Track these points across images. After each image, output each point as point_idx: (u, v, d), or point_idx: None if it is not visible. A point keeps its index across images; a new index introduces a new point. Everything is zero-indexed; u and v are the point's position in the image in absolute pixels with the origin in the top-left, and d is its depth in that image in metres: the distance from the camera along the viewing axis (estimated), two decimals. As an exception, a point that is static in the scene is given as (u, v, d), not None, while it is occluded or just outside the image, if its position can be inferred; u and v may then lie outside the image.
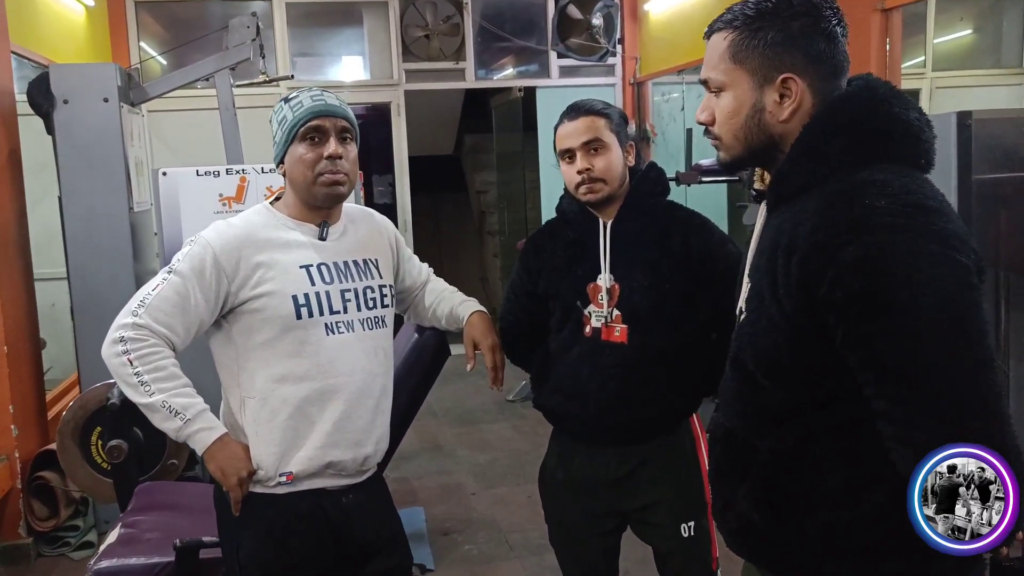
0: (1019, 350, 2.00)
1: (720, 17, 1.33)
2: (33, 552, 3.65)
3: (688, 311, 1.97)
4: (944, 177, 1.82)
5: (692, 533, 2.03)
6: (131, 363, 1.72)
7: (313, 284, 1.81)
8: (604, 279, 1.99)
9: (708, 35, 1.36)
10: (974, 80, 7.59)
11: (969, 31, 7.78)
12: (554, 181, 7.19)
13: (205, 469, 2.54)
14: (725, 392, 1.41)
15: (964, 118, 1.78)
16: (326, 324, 1.81)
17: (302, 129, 1.80)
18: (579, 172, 1.97)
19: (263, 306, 1.77)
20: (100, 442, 2.53)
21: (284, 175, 1.88)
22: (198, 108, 6.11)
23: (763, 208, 1.36)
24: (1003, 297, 1.94)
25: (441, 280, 2.23)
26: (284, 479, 1.79)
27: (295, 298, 1.78)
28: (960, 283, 1.12)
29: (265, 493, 1.80)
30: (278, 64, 6.89)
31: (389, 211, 7.26)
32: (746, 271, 1.36)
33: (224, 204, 2.73)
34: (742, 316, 1.35)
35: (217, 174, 2.73)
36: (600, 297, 1.99)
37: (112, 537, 2.13)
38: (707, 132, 1.36)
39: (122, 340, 1.73)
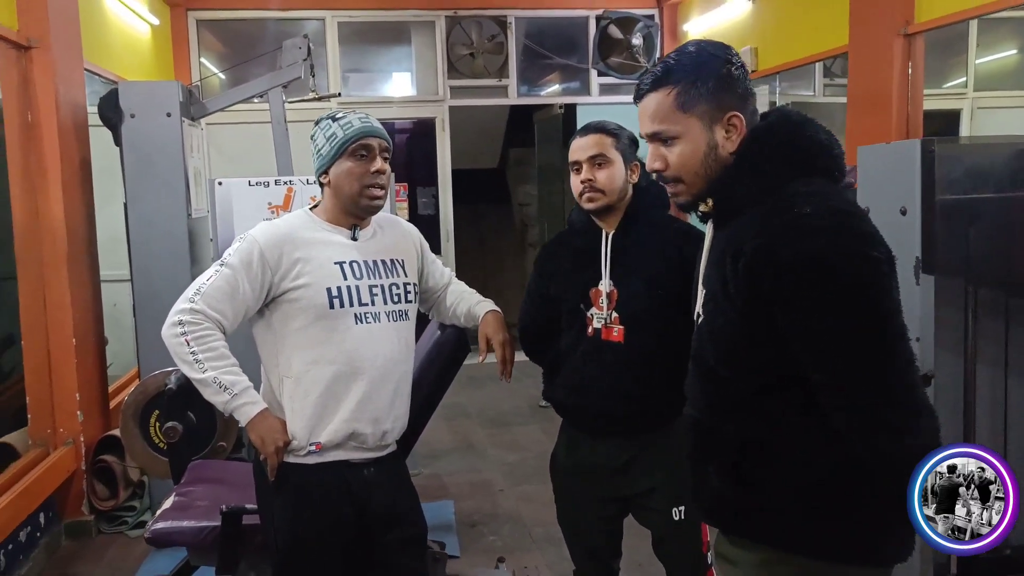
0: (985, 355, 2.17)
1: (647, 81, 1.53)
2: (94, 529, 3.97)
3: (681, 315, 2.16)
4: (910, 197, 2.00)
5: (683, 517, 2.22)
6: (188, 343, 1.98)
7: (345, 279, 2.06)
8: (604, 284, 2.21)
9: (640, 97, 1.54)
10: (1017, 101, 7.58)
11: (1014, 51, 7.78)
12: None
13: (250, 449, 2.82)
14: (691, 388, 1.62)
15: (928, 145, 1.96)
16: (355, 314, 2.05)
17: (353, 146, 2.05)
18: (582, 182, 2.19)
19: (300, 296, 2.02)
20: (158, 424, 2.82)
21: (326, 184, 2.11)
22: (253, 121, 6.45)
23: (710, 226, 1.57)
24: (970, 306, 2.11)
25: (462, 283, 2.47)
26: (313, 448, 2.03)
27: (329, 290, 2.03)
28: (874, 273, 1.34)
29: (296, 463, 2.05)
30: (329, 79, 7.24)
31: (432, 222, 7.55)
32: (700, 280, 1.58)
33: (272, 212, 3.00)
34: (699, 319, 1.56)
35: (267, 184, 3.01)
36: (601, 300, 2.21)
37: (167, 504, 2.41)
38: (661, 178, 1.55)
39: (180, 323, 1.99)
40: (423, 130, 7.63)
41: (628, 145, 2.27)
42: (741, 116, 1.48)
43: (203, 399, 2.75)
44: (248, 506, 2.23)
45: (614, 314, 2.19)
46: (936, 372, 2.05)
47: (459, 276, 2.52)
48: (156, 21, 6.23)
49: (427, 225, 7.64)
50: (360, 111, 2.15)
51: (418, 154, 7.80)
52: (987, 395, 2.20)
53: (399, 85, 7.81)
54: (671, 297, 2.13)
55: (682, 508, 2.23)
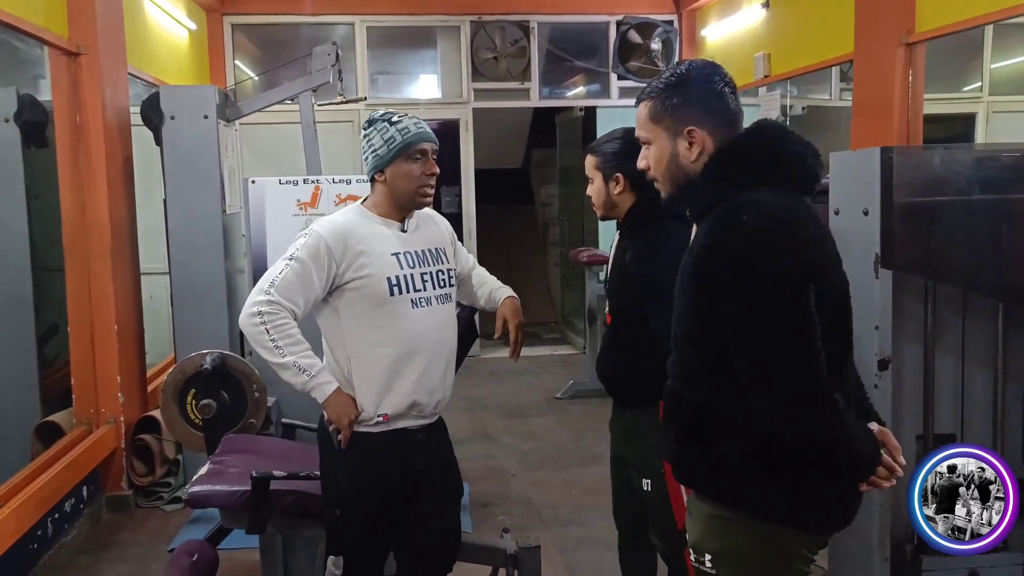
0: (945, 345, 2.37)
1: (643, 91, 1.77)
2: (132, 503, 4.27)
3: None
4: (871, 200, 2.21)
5: (650, 489, 2.45)
6: (268, 331, 2.19)
7: (401, 268, 2.30)
8: (605, 277, 2.53)
9: (636, 104, 1.78)
10: (1032, 104, 7.64)
11: (1029, 56, 7.84)
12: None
13: (279, 428, 3.08)
14: (670, 363, 1.84)
15: (886, 152, 2.16)
16: (411, 300, 2.30)
17: (411, 149, 2.28)
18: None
19: (364, 285, 2.25)
20: (194, 401, 3.09)
21: (381, 181, 2.32)
22: (285, 122, 6.72)
23: (694, 226, 1.79)
24: (930, 300, 2.31)
25: (484, 269, 2.76)
26: (380, 419, 2.29)
27: (388, 279, 2.27)
28: (793, 274, 1.52)
29: (364, 431, 2.30)
30: (358, 81, 7.51)
31: (455, 220, 7.80)
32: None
33: (301, 208, 3.26)
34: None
35: (296, 183, 3.27)
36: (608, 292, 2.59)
37: (203, 470, 2.67)
38: (648, 175, 1.79)
39: (260, 313, 2.19)
40: (448, 131, 7.88)
41: (610, 161, 2.52)
42: (699, 130, 1.68)
43: (236, 379, 3.04)
44: (276, 473, 2.49)
45: (607, 303, 2.57)
46: (897, 359, 2.26)
47: (482, 273, 2.81)
48: (193, 26, 6.53)
49: (451, 222, 7.86)
50: (411, 116, 2.35)
51: (443, 154, 7.97)
52: (947, 381, 2.40)
53: (425, 87, 8.07)
54: (644, 293, 2.37)
55: (648, 481, 2.46)
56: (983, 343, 2.42)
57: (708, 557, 1.69)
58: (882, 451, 1.60)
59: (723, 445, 1.66)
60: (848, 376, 1.68)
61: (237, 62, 7.55)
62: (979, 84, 7.52)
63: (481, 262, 2.75)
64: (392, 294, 2.26)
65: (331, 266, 2.23)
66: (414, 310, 2.30)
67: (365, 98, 5.36)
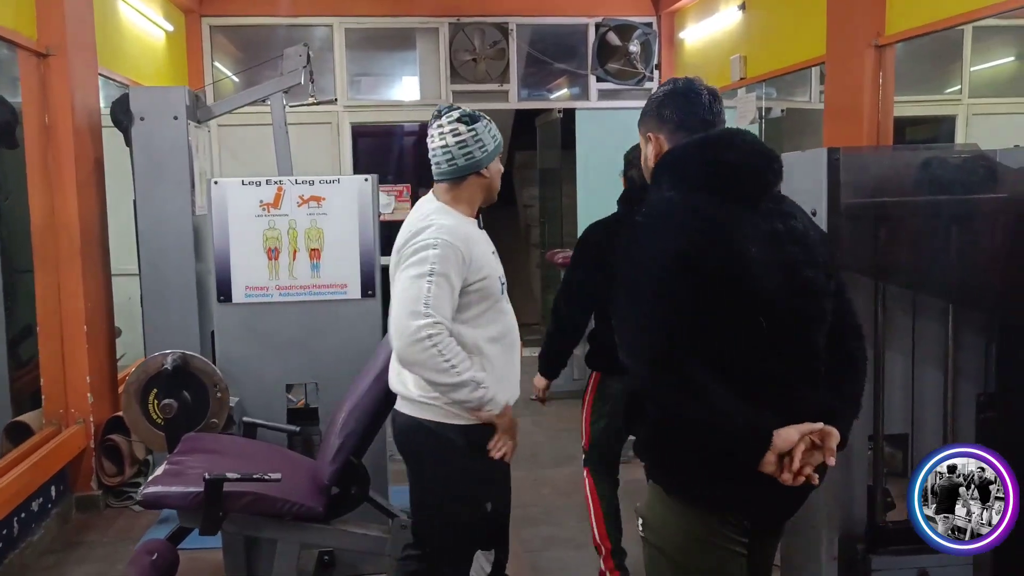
0: (894, 344, 2.39)
1: None
2: (102, 503, 4.26)
3: None
4: (818, 200, 2.23)
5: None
6: (441, 352, 2.14)
7: (499, 266, 2.42)
8: None
9: None
10: (1013, 108, 7.69)
11: (1009, 59, 7.90)
12: (590, 198, 7.65)
13: (240, 427, 3.07)
14: None
15: (833, 153, 2.18)
16: (506, 296, 2.43)
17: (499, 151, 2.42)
18: None
19: (482, 287, 2.30)
20: (156, 401, 3.09)
21: (482, 177, 2.39)
22: (263, 124, 6.68)
23: None
24: (879, 300, 2.34)
25: None
26: (505, 408, 2.33)
27: (499, 278, 2.38)
28: (658, 260, 1.66)
29: (481, 424, 2.32)
30: (336, 83, 7.51)
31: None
32: None
33: (264, 209, 3.26)
34: None
35: (259, 184, 3.26)
36: None
37: (159, 471, 2.67)
38: None
39: (428, 337, 2.13)
40: (426, 133, 7.87)
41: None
42: (653, 136, 1.88)
43: (198, 379, 3.05)
44: (229, 474, 2.49)
45: None
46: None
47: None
48: (170, 27, 6.51)
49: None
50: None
51: (421, 156, 8.04)
52: (897, 382, 2.42)
53: (404, 89, 8.07)
54: None
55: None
56: (933, 343, 2.44)
57: (640, 522, 1.84)
58: (801, 445, 1.60)
59: (643, 423, 1.80)
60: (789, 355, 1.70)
61: (216, 63, 7.54)
62: (959, 87, 7.56)
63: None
64: (501, 292, 2.38)
65: (463, 272, 2.25)
66: (507, 305, 2.43)
67: (335, 100, 5.34)
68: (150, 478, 2.65)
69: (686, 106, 1.83)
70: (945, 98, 7.69)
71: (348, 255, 3.32)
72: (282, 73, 4.64)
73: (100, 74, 4.70)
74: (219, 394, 3.12)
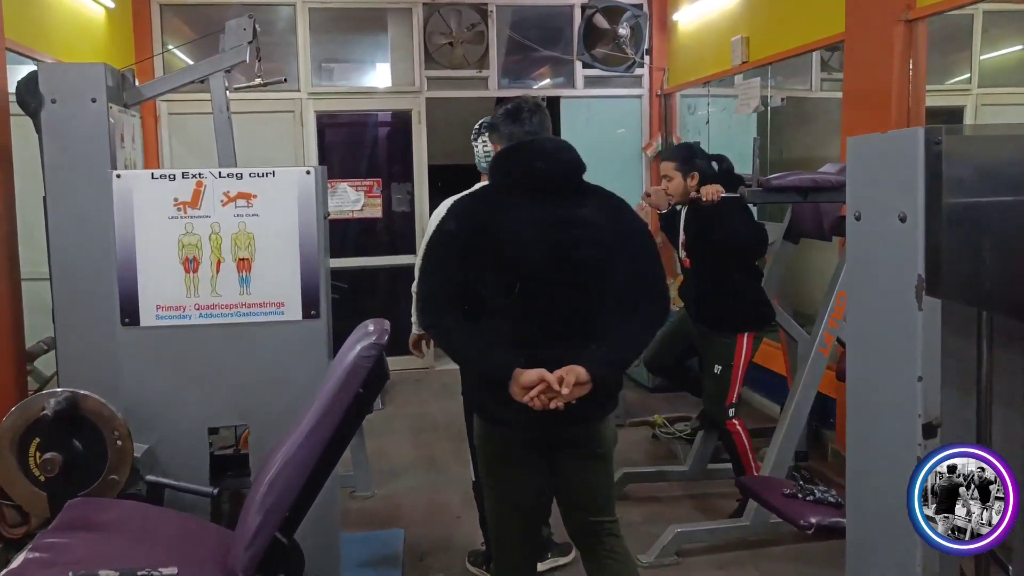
0: (1002, 395, 1.79)
1: None
2: (3, 559, 3.58)
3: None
4: (910, 200, 1.62)
5: (719, 372, 3.85)
6: None
7: None
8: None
9: None
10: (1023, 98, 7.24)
11: (1019, 47, 7.43)
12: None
13: (147, 488, 2.43)
14: None
15: (933, 136, 1.57)
16: None
17: None
18: None
19: None
20: (38, 453, 2.44)
21: None
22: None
23: None
24: (984, 336, 1.73)
25: None
26: None
27: None
28: (438, 239, 2.32)
29: None
30: (300, 68, 6.87)
31: (407, 219, 7.18)
32: None
33: (179, 209, 2.63)
34: None
35: (172, 177, 2.64)
36: None
37: (16, 562, 2.00)
38: None
39: None
40: (399, 123, 7.26)
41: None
42: (494, 145, 2.45)
43: (92, 424, 2.40)
44: (102, 572, 1.84)
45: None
46: (944, 419, 1.67)
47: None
48: (111, 3, 5.83)
49: (402, 222, 7.27)
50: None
51: (394, 148, 7.42)
52: (1003, 441, 1.82)
53: (374, 76, 7.42)
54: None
55: (720, 367, 3.86)
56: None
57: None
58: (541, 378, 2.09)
59: None
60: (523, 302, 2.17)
61: (171, 47, 6.86)
62: (967, 76, 7.08)
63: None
64: None
65: None
66: None
67: (284, 80, 4.69)
68: (6, 570, 1.98)
69: (514, 124, 2.33)
70: (952, 88, 7.22)
71: (286, 266, 2.68)
72: (223, 49, 3.98)
73: (9, 50, 4.02)
74: (119, 442, 2.47)
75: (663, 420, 4.86)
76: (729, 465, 4.14)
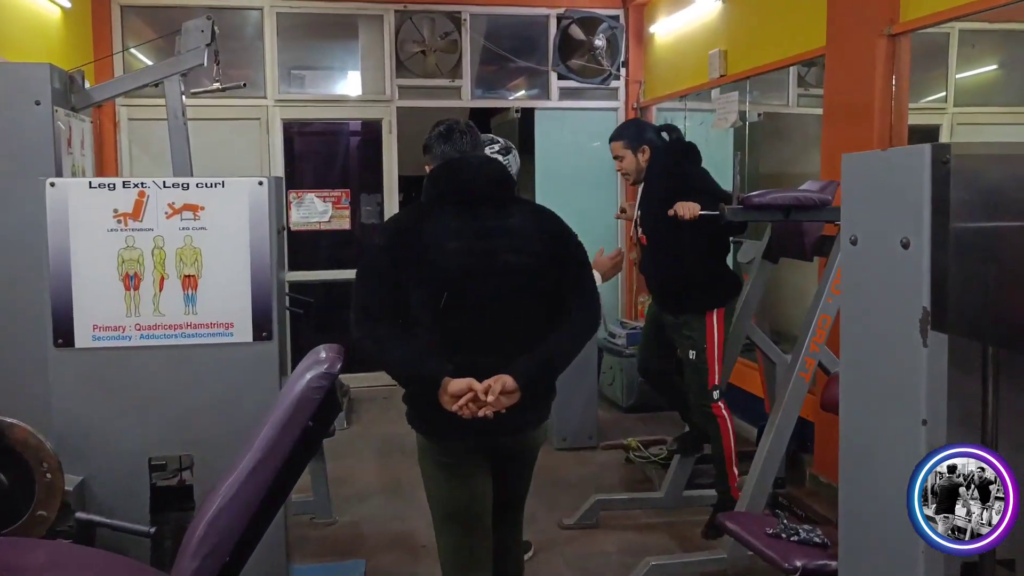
0: (1012, 437, 1.64)
1: None
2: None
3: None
4: (914, 225, 1.47)
5: (694, 358, 3.76)
6: None
7: None
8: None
9: None
10: (998, 117, 7.23)
11: (994, 66, 7.44)
12: (550, 203, 6.85)
13: (78, 526, 2.23)
14: None
15: (940, 153, 1.43)
16: None
17: None
18: None
19: None
20: (-43, 488, 2.23)
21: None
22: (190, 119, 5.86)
23: None
24: (989, 374, 1.58)
25: None
26: None
27: None
28: (370, 253, 2.33)
29: None
30: (267, 75, 6.66)
31: (376, 232, 6.98)
32: None
33: (119, 221, 2.43)
34: None
35: (112, 187, 2.43)
36: None
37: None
38: None
39: None
40: (369, 132, 7.08)
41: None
42: (428, 166, 2.44)
43: (18, 456, 2.20)
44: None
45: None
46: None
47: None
48: (67, 4, 5.60)
49: (370, 235, 7.07)
50: None
51: (364, 159, 7.24)
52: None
53: (344, 83, 7.24)
54: None
55: (694, 352, 3.76)
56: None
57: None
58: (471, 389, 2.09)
59: None
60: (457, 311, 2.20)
61: (133, 50, 6.62)
62: (943, 94, 7.05)
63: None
64: None
65: None
66: None
67: (244, 84, 4.49)
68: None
69: (446, 144, 2.40)
70: (928, 106, 7.19)
71: (236, 284, 2.49)
72: (179, 52, 3.78)
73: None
74: (49, 475, 2.27)
75: (637, 443, 4.70)
76: (706, 492, 4.01)
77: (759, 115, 6.23)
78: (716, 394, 3.71)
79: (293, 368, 2.63)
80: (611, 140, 3.90)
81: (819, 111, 6.12)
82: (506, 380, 2.10)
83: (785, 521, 2.30)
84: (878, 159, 1.58)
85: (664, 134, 3.84)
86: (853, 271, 1.64)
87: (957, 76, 6.98)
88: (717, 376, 3.71)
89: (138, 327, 2.47)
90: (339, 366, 1.90)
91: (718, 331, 3.68)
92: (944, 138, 6.92)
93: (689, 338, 3.71)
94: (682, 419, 4.14)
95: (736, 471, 3.72)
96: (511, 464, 2.38)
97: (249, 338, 2.52)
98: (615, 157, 3.86)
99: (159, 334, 2.48)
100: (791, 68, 5.58)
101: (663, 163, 3.75)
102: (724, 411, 3.72)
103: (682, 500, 4.11)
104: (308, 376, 1.87)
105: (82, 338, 2.46)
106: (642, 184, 3.83)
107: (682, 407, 4.04)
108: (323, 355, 1.94)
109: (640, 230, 3.85)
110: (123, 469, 2.49)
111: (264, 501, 1.92)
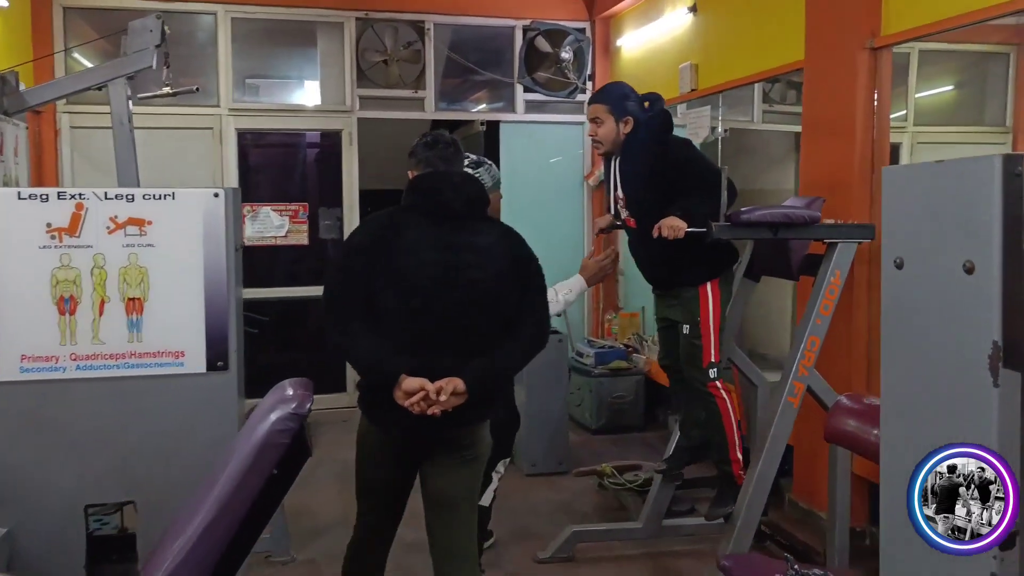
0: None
1: None
2: None
3: None
4: (981, 247, 1.29)
5: (688, 332, 3.52)
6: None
7: None
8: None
9: None
10: (957, 136, 7.27)
11: (950, 87, 7.48)
12: (515, 218, 6.65)
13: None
14: None
15: (1012, 165, 1.25)
16: None
17: None
18: None
19: None
20: None
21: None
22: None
23: None
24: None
25: None
26: None
27: None
28: (343, 252, 2.50)
29: None
30: (221, 82, 6.38)
31: (336, 247, 6.71)
32: None
33: (53, 236, 2.16)
34: None
35: (45, 198, 2.17)
36: None
37: None
38: None
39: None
40: (328, 144, 6.82)
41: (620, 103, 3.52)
42: (410, 172, 2.61)
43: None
44: None
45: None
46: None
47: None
48: (4, 3, 5.26)
49: (331, 250, 6.80)
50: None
51: (323, 172, 6.97)
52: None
53: (302, 93, 6.97)
54: None
55: (688, 326, 3.54)
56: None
57: None
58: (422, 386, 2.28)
59: None
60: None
61: (76, 54, 6.29)
62: (904, 113, 7.06)
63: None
64: None
65: None
66: None
67: (196, 89, 4.23)
68: None
69: (430, 151, 2.54)
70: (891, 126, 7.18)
71: (187, 308, 2.25)
72: (124, 53, 3.51)
73: None
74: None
75: (612, 470, 4.50)
76: (687, 520, 3.82)
77: (726, 131, 6.13)
78: (713, 372, 3.43)
79: (247, 395, 2.39)
80: (592, 102, 3.59)
81: (783, 127, 6.04)
82: (457, 383, 2.31)
83: (796, 567, 2.11)
84: (930, 172, 1.40)
85: (646, 103, 3.52)
86: (898, 299, 1.45)
87: (917, 95, 6.99)
88: (714, 352, 3.43)
89: (74, 357, 2.21)
90: (308, 406, 1.66)
91: (713, 303, 3.42)
92: (904, 157, 6.91)
93: (683, 310, 3.47)
94: (679, 427, 3.84)
95: (740, 456, 3.46)
96: (442, 459, 2.51)
97: (203, 368, 2.27)
98: (592, 119, 3.52)
99: (98, 364, 2.23)
100: (756, 85, 5.48)
101: (644, 138, 3.45)
102: (723, 391, 3.43)
103: (661, 530, 3.91)
104: (272, 417, 1.63)
105: (8, 370, 2.18)
106: (616, 159, 3.54)
107: (683, 414, 3.80)
108: (289, 392, 1.70)
109: (626, 212, 3.56)
110: (56, 517, 2.21)
111: (220, 562, 1.67)
